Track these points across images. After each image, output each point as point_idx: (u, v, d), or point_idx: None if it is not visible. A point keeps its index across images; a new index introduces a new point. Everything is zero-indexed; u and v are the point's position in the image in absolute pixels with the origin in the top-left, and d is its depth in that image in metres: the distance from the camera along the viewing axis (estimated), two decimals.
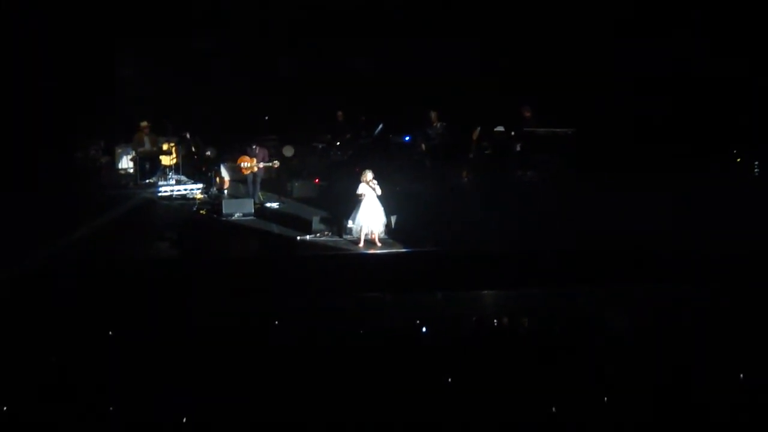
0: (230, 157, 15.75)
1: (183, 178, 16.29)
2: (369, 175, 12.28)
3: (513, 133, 15.75)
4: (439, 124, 15.91)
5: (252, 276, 11.38)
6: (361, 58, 17.55)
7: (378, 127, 16.86)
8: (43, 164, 15.44)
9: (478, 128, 15.89)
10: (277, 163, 15.62)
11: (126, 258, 11.90)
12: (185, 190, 15.67)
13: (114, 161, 17.70)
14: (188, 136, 16.42)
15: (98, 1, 16.72)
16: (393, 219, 12.68)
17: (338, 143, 16.97)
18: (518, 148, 15.73)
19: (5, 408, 7.10)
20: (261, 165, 15.09)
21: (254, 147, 15.12)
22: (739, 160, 16.03)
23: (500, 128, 15.83)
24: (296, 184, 15.82)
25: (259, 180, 15.18)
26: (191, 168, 16.69)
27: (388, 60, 17.28)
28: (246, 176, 15.09)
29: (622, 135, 15.43)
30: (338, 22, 17.31)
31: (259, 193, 15.30)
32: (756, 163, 15.66)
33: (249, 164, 14.94)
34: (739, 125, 15.49)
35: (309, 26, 17.40)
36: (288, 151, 17.49)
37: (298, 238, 12.73)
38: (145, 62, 17.34)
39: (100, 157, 17.46)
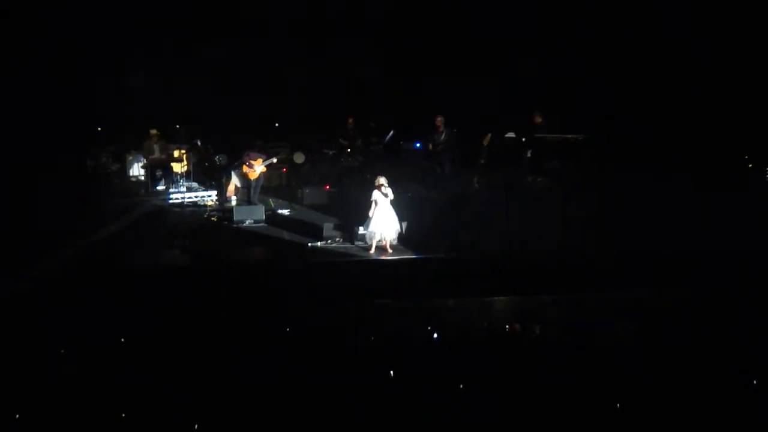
0: (240, 164, 15.81)
1: (194, 185, 16.38)
2: (382, 180, 12.25)
3: (524, 139, 15.74)
4: (444, 130, 15.89)
5: (263, 282, 11.36)
6: (373, 63, 17.59)
7: (389, 133, 16.88)
8: (55, 171, 15.52)
9: (489, 134, 15.89)
10: (275, 160, 15.66)
11: (137, 265, 11.93)
12: (196, 197, 15.72)
13: (125, 168, 17.81)
14: (199, 143, 16.49)
15: (110, 7, 16.80)
16: (404, 225, 12.66)
17: (349, 149, 16.98)
18: (529, 154, 15.72)
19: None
20: (263, 167, 15.11)
21: (257, 144, 15.21)
22: (750, 165, 16.00)
23: (511, 134, 15.82)
24: (307, 190, 15.85)
25: (260, 184, 15.22)
26: (202, 175, 16.76)
27: (399, 65, 17.31)
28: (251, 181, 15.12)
29: (634, 141, 15.41)
30: (349, 27, 17.35)
31: (270, 200, 15.33)
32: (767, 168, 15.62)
33: (256, 166, 14.94)
34: (752, 131, 15.43)
35: (320, 32, 17.44)
36: (298, 158, 17.54)
37: (310, 244, 12.71)
38: (156, 69, 17.40)
39: (110, 165, 17.57)
